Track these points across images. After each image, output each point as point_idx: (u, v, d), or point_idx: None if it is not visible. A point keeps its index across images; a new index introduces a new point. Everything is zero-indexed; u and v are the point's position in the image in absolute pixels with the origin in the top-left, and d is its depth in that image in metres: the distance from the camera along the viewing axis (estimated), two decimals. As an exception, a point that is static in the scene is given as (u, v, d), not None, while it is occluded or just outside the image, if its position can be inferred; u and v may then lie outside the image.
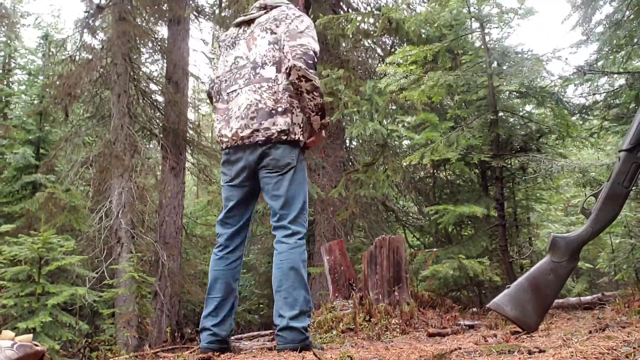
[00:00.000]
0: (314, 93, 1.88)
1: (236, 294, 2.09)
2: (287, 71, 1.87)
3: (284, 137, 1.89)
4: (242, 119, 1.93)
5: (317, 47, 1.93)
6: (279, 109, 1.90)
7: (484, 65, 4.01)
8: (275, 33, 1.96)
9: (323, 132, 2.03)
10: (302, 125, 1.95)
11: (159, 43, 8.00)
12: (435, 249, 4.56)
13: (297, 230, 1.92)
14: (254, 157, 1.93)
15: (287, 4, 2.08)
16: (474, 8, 4.13)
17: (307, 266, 1.98)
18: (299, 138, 1.93)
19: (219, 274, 2.03)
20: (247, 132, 1.91)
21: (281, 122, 1.89)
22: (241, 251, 2.12)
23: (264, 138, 1.89)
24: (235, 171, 2.01)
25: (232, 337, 3.68)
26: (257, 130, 1.89)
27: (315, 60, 1.90)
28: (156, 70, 9.07)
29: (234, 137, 1.95)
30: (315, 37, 1.97)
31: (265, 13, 2.05)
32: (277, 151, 1.90)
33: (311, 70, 1.86)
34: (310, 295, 1.96)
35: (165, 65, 8.31)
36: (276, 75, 1.92)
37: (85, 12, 7.45)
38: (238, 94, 1.96)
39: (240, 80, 1.98)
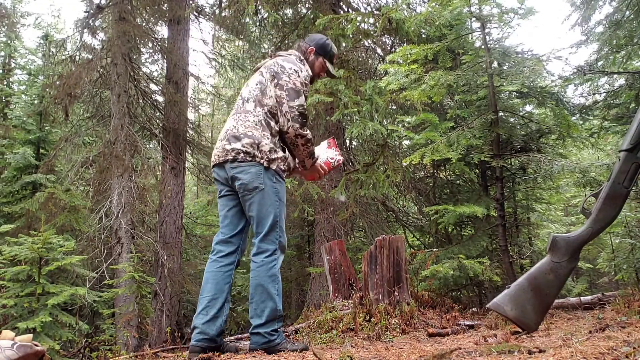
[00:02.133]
0: (307, 144, 2.23)
1: (227, 297, 2.23)
2: (286, 128, 2.19)
3: (249, 159, 2.14)
4: (221, 140, 2.25)
5: (305, 103, 2.22)
6: (248, 134, 2.17)
7: (485, 65, 4.01)
8: (263, 77, 2.27)
9: (322, 166, 2.35)
10: (270, 154, 2.18)
11: (159, 43, 8.00)
12: (435, 249, 4.56)
13: (266, 249, 2.15)
14: (228, 175, 2.21)
15: (289, 55, 2.35)
16: (475, 8, 4.13)
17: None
18: (264, 163, 2.16)
19: (210, 276, 2.22)
20: (222, 152, 2.21)
21: (246, 143, 2.16)
22: (235, 258, 2.28)
23: (231, 157, 2.17)
24: (219, 186, 2.31)
25: (232, 337, 3.68)
26: (228, 151, 2.19)
27: (305, 114, 2.20)
28: (156, 70, 9.07)
29: (215, 156, 2.26)
30: (305, 92, 2.24)
31: (271, 59, 2.38)
32: (246, 176, 2.15)
33: (304, 128, 2.19)
34: (281, 300, 2.20)
35: (165, 65, 8.30)
36: (254, 109, 2.22)
37: (85, 12, 7.45)
38: (229, 121, 2.30)
39: (234, 110, 2.32)
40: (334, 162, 2.47)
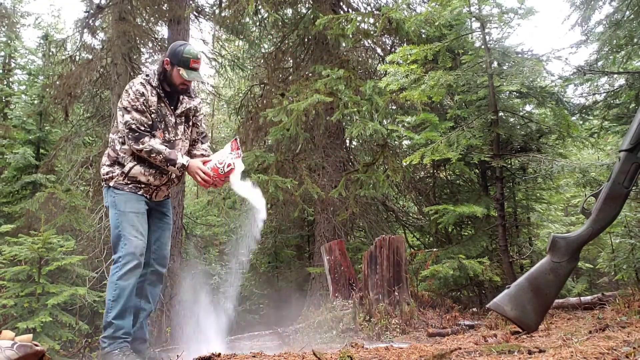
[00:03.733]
0: (152, 155, 2.25)
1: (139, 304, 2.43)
2: (127, 146, 2.31)
3: (103, 184, 2.40)
4: None
5: (134, 119, 2.26)
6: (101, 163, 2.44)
7: (484, 65, 4.01)
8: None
9: (203, 172, 2.28)
10: (107, 175, 2.36)
11: (159, 43, 7.98)
12: (435, 249, 4.56)
13: (115, 258, 2.29)
14: None
15: (140, 75, 2.44)
16: (475, 8, 4.12)
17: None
18: (104, 184, 2.38)
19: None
20: None
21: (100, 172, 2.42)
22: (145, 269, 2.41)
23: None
24: None
25: (232, 337, 3.67)
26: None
27: (137, 129, 2.24)
28: (156, 70, 9.04)
29: None
30: (137, 108, 2.27)
31: None
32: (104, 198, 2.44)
33: (139, 142, 2.24)
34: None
35: (165, 65, 8.27)
36: (111, 137, 2.42)
37: (85, 12, 7.44)
38: None
39: None
40: (223, 167, 2.24)
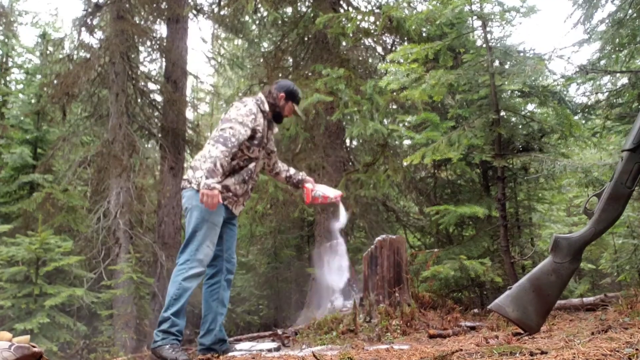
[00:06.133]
0: (210, 160, 2.41)
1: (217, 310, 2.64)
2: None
3: (187, 185, 2.55)
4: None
5: (232, 129, 2.48)
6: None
7: (486, 64, 3.98)
8: None
9: (216, 196, 2.43)
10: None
11: (158, 42, 7.96)
12: (436, 250, 4.53)
13: (181, 258, 2.46)
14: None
15: (252, 97, 2.71)
16: (476, 6, 4.09)
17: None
18: (195, 187, 2.51)
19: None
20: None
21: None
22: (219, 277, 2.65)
23: None
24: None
25: (232, 338, 3.65)
26: None
27: (229, 138, 2.44)
28: (155, 69, 9.03)
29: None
30: (242, 122, 2.52)
31: None
32: (183, 198, 2.59)
33: (215, 145, 2.43)
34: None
35: (163, 64, 8.26)
36: None
37: (83, 10, 7.41)
38: None
39: None
40: (330, 197, 2.82)
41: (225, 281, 2.64)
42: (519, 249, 4.78)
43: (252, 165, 2.58)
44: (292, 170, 2.90)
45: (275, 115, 2.72)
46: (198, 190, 2.40)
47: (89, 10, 7.35)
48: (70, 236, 6.93)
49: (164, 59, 8.18)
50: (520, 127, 4.37)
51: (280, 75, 6.84)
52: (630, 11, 3.61)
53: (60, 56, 7.63)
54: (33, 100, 8.38)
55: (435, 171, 5.79)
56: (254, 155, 2.58)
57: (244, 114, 2.49)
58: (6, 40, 9.79)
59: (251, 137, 2.52)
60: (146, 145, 7.99)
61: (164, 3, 7.72)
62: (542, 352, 1.70)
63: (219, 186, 2.34)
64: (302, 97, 2.78)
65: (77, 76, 6.89)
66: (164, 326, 2.32)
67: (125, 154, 6.74)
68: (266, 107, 2.64)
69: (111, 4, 7.24)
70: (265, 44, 7.99)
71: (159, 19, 8.08)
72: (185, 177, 2.56)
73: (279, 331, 3.54)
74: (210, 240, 2.43)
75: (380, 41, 6.30)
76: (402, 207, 7.25)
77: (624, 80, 3.97)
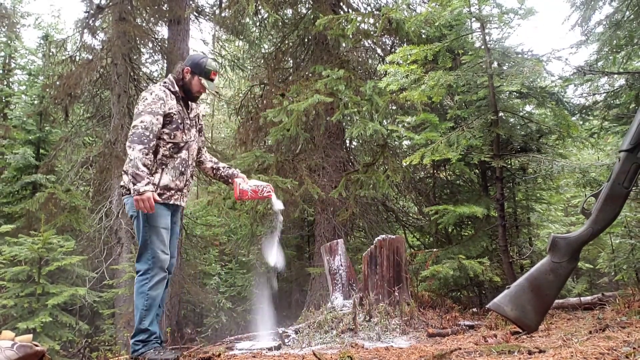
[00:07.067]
0: (129, 162, 2.32)
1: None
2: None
3: (127, 192, 2.42)
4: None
5: (142, 122, 2.34)
6: None
7: (485, 66, 4.01)
8: None
9: (149, 200, 2.34)
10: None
11: (159, 43, 7.99)
12: (435, 249, 4.56)
13: (140, 269, 2.39)
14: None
15: (158, 82, 2.55)
16: (475, 8, 4.12)
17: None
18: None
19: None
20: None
21: (124, 179, 2.42)
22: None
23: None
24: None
25: (232, 338, 3.68)
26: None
27: (142, 133, 2.31)
28: (156, 70, 9.06)
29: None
30: (152, 110, 2.37)
31: None
32: (126, 205, 2.50)
33: (130, 143, 2.31)
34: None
35: (165, 65, 8.29)
36: None
37: (86, 12, 7.45)
38: None
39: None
40: (262, 192, 2.63)
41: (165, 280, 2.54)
42: (518, 248, 4.81)
43: (184, 154, 2.45)
44: (221, 164, 2.71)
45: (186, 93, 2.53)
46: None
47: (91, 12, 7.39)
48: (73, 236, 6.97)
49: (165, 60, 8.22)
50: (518, 127, 4.40)
51: (280, 76, 6.88)
52: (627, 13, 3.64)
53: (63, 57, 7.66)
54: (36, 101, 8.43)
55: (435, 171, 5.82)
56: (178, 140, 2.42)
57: (151, 102, 2.35)
58: (9, 41, 9.83)
59: (168, 122, 2.39)
60: (147, 146, 8.01)
61: (166, 5, 7.75)
62: (540, 351, 1.73)
63: (149, 187, 2.24)
64: (213, 69, 2.53)
65: (80, 77, 6.93)
66: (142, 337, 2.31)
67: (127, 154, 6.76)
68: (176, 88, 2.49)
69: (113, 5, 7.28)
70: (265, 46, 8.02)
71: (160, 21, 8.11)
72: (122, 183, 2.45)
73: (280, 330, 3.57)
74: (163, 244, 2.38)
75: (380, 43, 6.33)
76: (402, 207, 7.28)
77: (621, 81, 3.99)
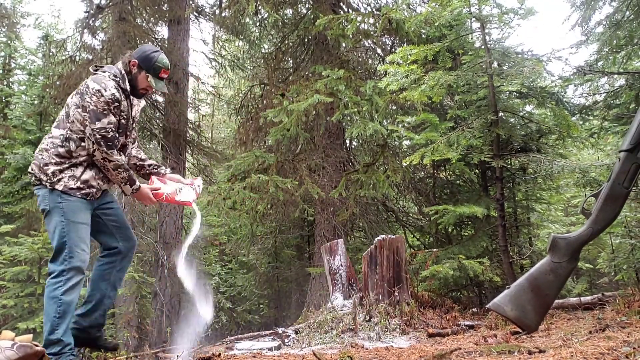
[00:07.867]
0: (119, 170, 2.20)
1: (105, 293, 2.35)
2: (92, 152, 2.18)
3: (37, 182, 2.20)
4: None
5: (109, 125, 2.16)
6: (37, 157, 2.23)
7: (485, 66, 4.01)
8: (72, 98, 2.23)
9: (147, 193, 2.31)
10: (54, 177, 2.18)
11: (159, 43, 7.99)
12: (435, 249, 4.56)
13: (52, 270, 2.14)
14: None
15: (103, 72, 2.25)
16: (475, 8, 4.13)
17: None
18: (48, 186, 2.17)
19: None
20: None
21: (33, 166, 2.22)
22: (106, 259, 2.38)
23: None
24: None
25: (232, 337, 3.68)
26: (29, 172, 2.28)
27: (113, 137, 2.17)
28: (156, 70, 9.03)
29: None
30: (113, 112, 2.18)
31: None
32: (38, 198, 2.23)
33: (111, 152, 2.16)
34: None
35: (165, 65, 8.28)
36: (55, 131, 2.24)
37: (86, 12, 7.44)
38: None
39: None
40: (180, 197, 2.42)
41: (126, 260, 2.36)
42: (518, 248, 4.81)
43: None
44: (148, 162, 2.49)
45: (132, 88, 2.26)
46: (53, 189, 2.15)
47: (91, 12, 7.39)
48: (72, 236, 6.94)
49: (165, 60, 8.20)
50: (518, 127, 4.40)
51: (280, 76, 6.88)
52: (627, 13, 3.65)
53: (63, 58, 7.66)
54: (36, 101, 8.43)
55: (435, 171, 5.82)
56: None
57: (109, 101, 2.13)
58: (9, 41, 9.84)
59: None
60: (148, 146, 8.03)
61: (166, 5, 7.76)
62: (540, 351, 1.73)
63: (138, 184, 2.24)
64: (164, 66, 2.24)
65: (80, 77, 6.92)
66: (55, 349, 2.05)
67: (127, 154, 6.77)
68: (126, 84, 2.24)
69: (113, 5, 7.28)
70: (265, 46, 8.02)
71: (160, 21, 8.12)
72: (30, 170, 2.22)
73: (280, 330, 3.57)
74: (83, 242, 2.15)
75: (380, 43, 6.33)
76: (402, 207, 7.28)
77: (621, 81, 4.00)
